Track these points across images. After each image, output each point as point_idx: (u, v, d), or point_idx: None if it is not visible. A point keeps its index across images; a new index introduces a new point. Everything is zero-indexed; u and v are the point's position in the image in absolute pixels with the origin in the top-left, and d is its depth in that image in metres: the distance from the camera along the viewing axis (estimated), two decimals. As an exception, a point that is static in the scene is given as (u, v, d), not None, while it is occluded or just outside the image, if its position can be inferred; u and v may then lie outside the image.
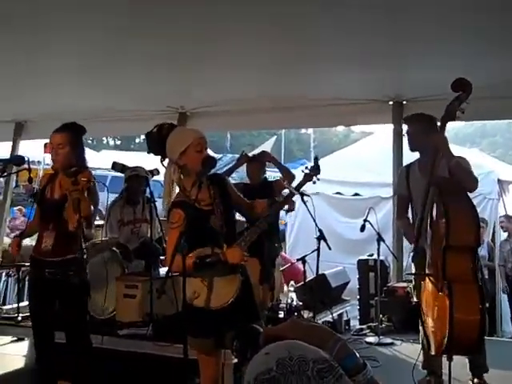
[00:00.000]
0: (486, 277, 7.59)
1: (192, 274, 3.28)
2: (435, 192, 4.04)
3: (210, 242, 3.37)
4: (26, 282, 7.38)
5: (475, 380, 4.82)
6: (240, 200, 3.73)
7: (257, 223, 3.49)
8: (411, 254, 4.42)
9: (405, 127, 4.92)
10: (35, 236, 4.47)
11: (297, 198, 4.21)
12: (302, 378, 1.26)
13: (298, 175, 10.97)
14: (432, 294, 4.04)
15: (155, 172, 6.15)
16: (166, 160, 3.54)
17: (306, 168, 3.93)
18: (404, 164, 7.65)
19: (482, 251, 8.75)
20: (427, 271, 4.14)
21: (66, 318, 4.24)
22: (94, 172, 4.66)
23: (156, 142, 3.51)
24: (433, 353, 4.07)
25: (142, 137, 38.81)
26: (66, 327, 4.27)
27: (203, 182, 3.39)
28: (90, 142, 33.00)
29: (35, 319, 4.34)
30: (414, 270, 4.65)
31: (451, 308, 3.66)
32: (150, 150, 3.58)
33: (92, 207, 4.22)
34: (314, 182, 3.87)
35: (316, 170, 3.85)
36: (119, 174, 7.06)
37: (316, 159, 3.97)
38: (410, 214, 4.89)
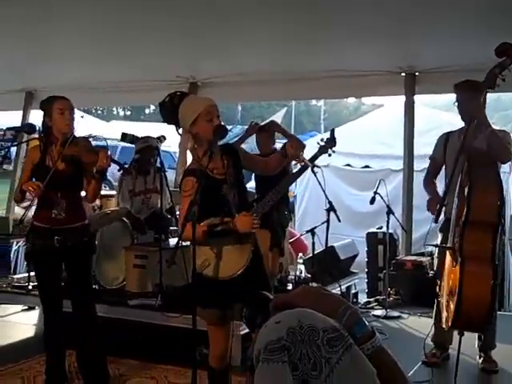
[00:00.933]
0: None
1: (202, 242, 3.27)
2: (464, 161, 3.93)
3: (223, 210, 3.35)
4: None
5: (482, 355, 4.84)
6: (253, 161, 3.73)
7: (269, 194, 3.47)
8: (432, 223, 4.31)
9: (456, 94, 4.67)
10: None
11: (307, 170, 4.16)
12: (312, 346, 1.27)
13: (309, 147, 10.93)
14: (449, 266, 3.98)
15: (162, 139, 6.14)
16: (181, 129, 3.52)
17: (322, 140, 3.87)
18: (415, 136, 7.69)
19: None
20: (449, 243, 4.07)
21: (74, 283, 4.29)
22: (103, 142, 4.68)
23: (169, 112, 3.48)
24: (443, 326, 4.06)
25: (152, 107, 38.82)
26: (73, 293, 4.31)
27: (214, 151, 3.37)
28: (99, 112, 33.06)
29: (44, 288, 4.35)
30: (439, 240, 4.63)
31: (461, 284, 3.62)
32: (164, 120, 3.56)
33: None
34: (330, 155, 3.81)
35: (332, 142, 3.80)
36: (129, 145, 7.05)
37: (332, 131, 3.92)
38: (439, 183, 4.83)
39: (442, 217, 4.32)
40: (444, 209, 4.31)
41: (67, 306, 4.31)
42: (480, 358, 4.86)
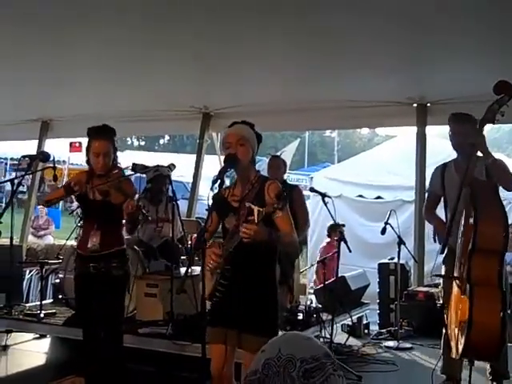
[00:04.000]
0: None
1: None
2: (468, 193, 3.99)
3: (223, 237, 3.45)
4: (50, 279, 7.51)
5: None
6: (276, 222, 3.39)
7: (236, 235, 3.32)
8: (439, 254, 4.37)
9: (450, 125, 4.78)
10: (59, 235, 4.68)
11: (318, 200, 4.15)
12: (286, 379, 1.26)
13: (320, 178, 10.95)
14: (456, 296, 3.99)
15: (172, 167, 6.19)
16: None
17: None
18: (427, 165, 7.69)
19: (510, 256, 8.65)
20: (455, 273, 4.10)
21: (107, 310, 4.38)
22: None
23: None
24: (453, 356, 4.03)
25: (167, 137, 39.14)
26: (105, 320, 4.40)
27: (222, 179, 3.36)
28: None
29: (81, 314, 4.57)
30: (443, 272, 4.63)
31: (471, 310, 3.62)
32: None
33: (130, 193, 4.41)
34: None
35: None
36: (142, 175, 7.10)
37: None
38: (442, 213, 4.84)
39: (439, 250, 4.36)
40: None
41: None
42: None
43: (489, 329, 3.61)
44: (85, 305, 4.48)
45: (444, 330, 4.43)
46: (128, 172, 4.78)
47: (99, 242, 4.35)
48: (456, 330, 3.95)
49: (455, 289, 4.04)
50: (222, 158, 3.54)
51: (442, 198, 4.83)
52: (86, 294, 4.43)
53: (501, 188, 4.30)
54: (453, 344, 3.99)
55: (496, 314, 3.66)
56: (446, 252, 4.37)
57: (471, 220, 3.85)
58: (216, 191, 3.46)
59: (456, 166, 4.69)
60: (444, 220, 4.73)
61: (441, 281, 6.10)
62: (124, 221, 4.47)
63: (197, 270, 3.95)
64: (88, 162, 4.44)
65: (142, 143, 39.44)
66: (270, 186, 3.42)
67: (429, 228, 5.71)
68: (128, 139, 37.36)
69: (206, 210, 3.43)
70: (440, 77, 6.58)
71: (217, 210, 3.44)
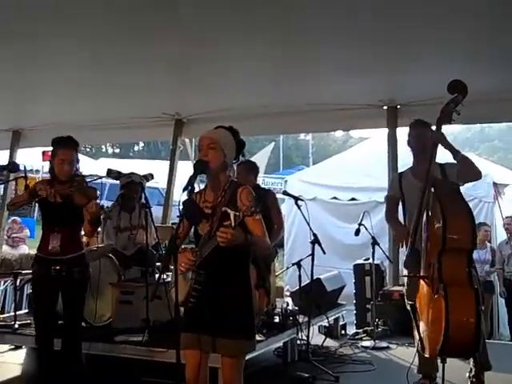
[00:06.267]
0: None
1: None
2: (431, 194, 4.05)
3: (196, 243, 3.43)
4: (25, 290, 7.45)
5: (473, 381, 4.77)
6: (249, 226, 3.38)
7: (211, 240, 3.30)
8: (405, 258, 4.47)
9: (411, 130, 5.03)
10: (35, 244, 4.78)
11: (293, 203, 4.15)
12: None
13: (294, 181, 10.92)
14: (427, 296, 4.04)
15: (149, 177, 6.19)
16: None
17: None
18: (399, 167, 7.77)
19: (486, 255, 8.76)
20: (422, 273, 4.16)
21: (67, 311, 4.65)
22: (91, 179, 4.97)
23: None
24: (427, 355, 4.08)
25: (141, 144, 38.95)
26: (65, 326, 4.65)
27: (193, 186, 3.32)
28: (88, 150, 33.09)
29: (39, 316, 4.70)
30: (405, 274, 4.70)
31: (447, 310, 3.66)
32: None
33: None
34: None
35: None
36: (117, 182, 7.08)
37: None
38: (401, 217, 4.94)
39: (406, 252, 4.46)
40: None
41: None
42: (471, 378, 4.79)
43: (466, 326, 3.65)
44: (43, 307, 4.65)
45: (415, 330, 4.48)
46: (99, 178, 5.00)
47: (59, 244, 4.57)
48: (427, 329, 3.99)
49: (424, 288, 4.09)
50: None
51: (401, 203, 4.94)
52: (45, 297, 4.63)
53: (470, 187, 4.40)
54: (425, 343, 4.04)
55: (471, 312, 3.69)
56: (406, 255, 4.44)
57: (436, 221, 3.91)
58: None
59: (413, 172, 4.88)
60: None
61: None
62: (85, 222, 4.64)
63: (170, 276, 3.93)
64: (51, 170, 4.70)
65: (117, 150, 39.24)
66: (243, 192, 3.42)
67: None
68: (102, 147, 37.18)
69: (178, 216, 3.43)
70: (410, 79, 6.66)
71: (189, 217, 3.43)
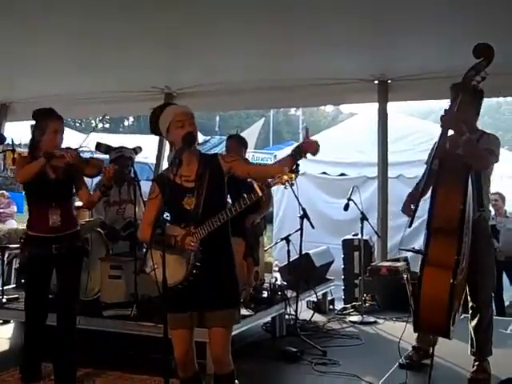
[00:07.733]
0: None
1: (153, 246, 3.34)
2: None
3: (181, 218, 3.39)
4: (13, 264, 7.41)
5: (475, 364, 4.58)
6: (247, 171, 3.49)
7: (218, 215, 3.31)
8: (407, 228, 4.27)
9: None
10: (23, 219, 4.61)
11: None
12: None
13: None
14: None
15: (138, 150, 6.16)
16: None
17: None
18: (389, 142, 7.76)
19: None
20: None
21: (63, 289, 4.46)
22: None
23: (152, 124, 3.59)
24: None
25: (131, 119, 38.71)
26: (61, 302, 4.45)
27: (185, 158, 3.38)
28: (78, 124, 32.89)
29: (33, 297, 4.45)
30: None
31: (419, 287, 3.70)
32: (151, 131, 3.68)
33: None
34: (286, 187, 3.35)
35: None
36: (106, 156, 7.03)
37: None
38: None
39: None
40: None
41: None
42: (473, 367, 4.59)
43: (436, 304, 3.64)
44: (39, 290, 4.45)
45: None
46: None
47: (60, 219, 4.36)
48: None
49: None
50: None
51: None
52: (42, 277, 4.43)
53: None
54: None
55: (444, 290, 3.65)
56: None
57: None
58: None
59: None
60: None
61: (407, 254, 6.14)
62: (86, 194, 4.52)
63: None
64: (35, 143, 4.40)
65: (107, 125, 38.93)
66: (224, 156, 3.57)
67: (396, 204, 5.67)
68: (92, 121, 36.90)
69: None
70: (400, 53, 6.61)
71: (168, 193, 3.38)
